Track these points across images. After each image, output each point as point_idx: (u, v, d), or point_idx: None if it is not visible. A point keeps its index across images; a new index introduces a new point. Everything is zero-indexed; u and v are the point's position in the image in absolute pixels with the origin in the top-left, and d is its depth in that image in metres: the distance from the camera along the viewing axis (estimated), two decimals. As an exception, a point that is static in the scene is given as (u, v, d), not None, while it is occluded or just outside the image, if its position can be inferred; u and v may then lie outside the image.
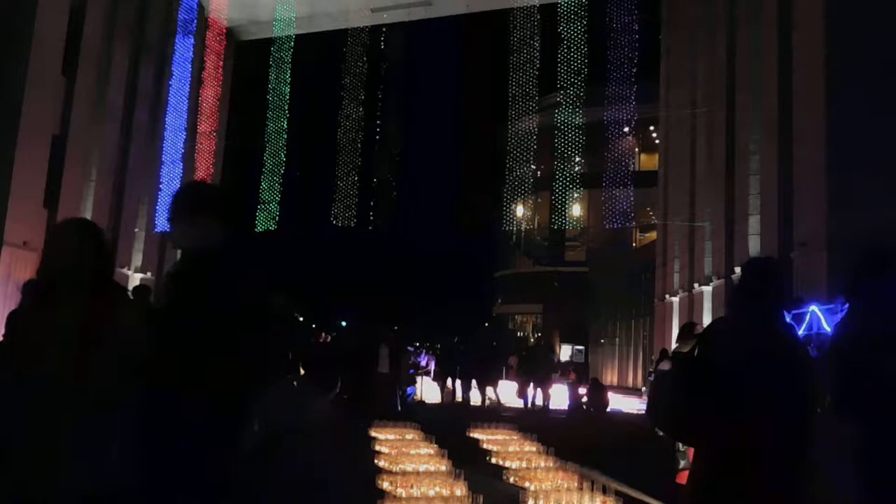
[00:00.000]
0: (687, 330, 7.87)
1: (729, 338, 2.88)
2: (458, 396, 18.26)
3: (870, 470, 2.62)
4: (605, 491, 6.77)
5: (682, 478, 5.88)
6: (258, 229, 24.83)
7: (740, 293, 2.98)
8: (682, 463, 6.44)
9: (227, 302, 2.71)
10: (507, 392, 22.48)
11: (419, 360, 23.64)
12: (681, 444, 6.34)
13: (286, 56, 25.25)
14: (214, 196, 3.12)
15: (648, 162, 41.13)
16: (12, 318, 3.17)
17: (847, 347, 2.84)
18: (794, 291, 13.38)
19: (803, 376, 2.77)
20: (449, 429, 10.70)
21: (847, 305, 3.07)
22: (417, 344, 30.43)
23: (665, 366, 6.89)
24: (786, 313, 2.93)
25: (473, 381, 18.09)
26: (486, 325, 51.64)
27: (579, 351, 39.00)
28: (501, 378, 20.36)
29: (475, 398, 18.25)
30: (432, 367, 22.95)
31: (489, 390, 18.67)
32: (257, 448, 7.83)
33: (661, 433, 6.95)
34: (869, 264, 2.85)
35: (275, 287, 8.71)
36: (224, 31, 28.33)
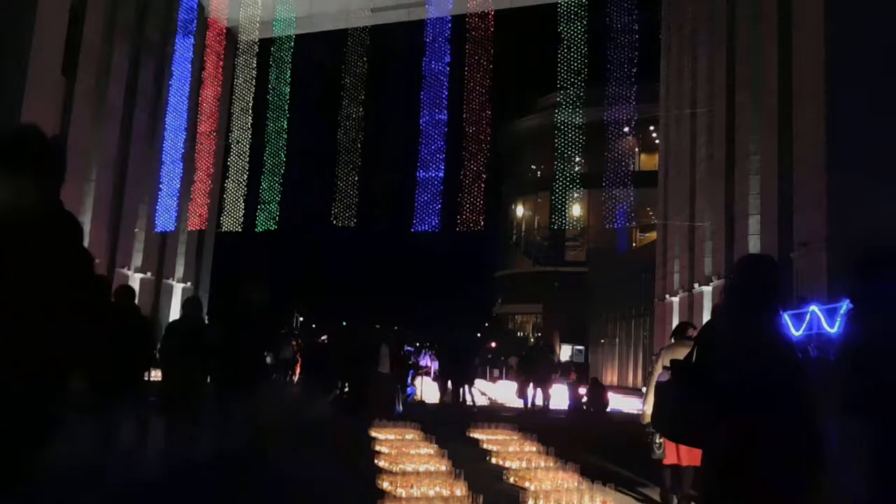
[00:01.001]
0: (681, 330, 7.71)
1: (723, 339, 2.88)
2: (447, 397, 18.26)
3: (874, 471, 2.62)
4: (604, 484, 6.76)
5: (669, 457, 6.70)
6: (258, 229, 24.82)
7: (733, 292, 2.97)
8: (657, 452, 7.00)
9: (45, 274, 2.23)
10: (506, 392, 22.52)
11: (419, 359, 23.65)
12: (657, 437, 6.97)
13: (286, 56, 25.25)
14: (41, 143, 2.56)
15: (648, 162, 41.18)
16: None
17: (851, 349, 2.84)
18: (793, 291, 13.41)
19: (798, 375, 2.78)
20: (449, 429, 10.70)
21: (850, 307, 3.06)
22: (418, 344, 30.46)
23: (664, 376, 6.98)
24: (782, 311, 2.92)
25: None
26: (486, 324, 51.66)
27: (579, 351, 39.03)
28: (475, 377, 20.31)
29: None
30: (435, 367, 22.98)
31: (470, 389, 18.75)
32: (254, 449, 7.80)
33: (647, 427, 7.28)
34: (870, 264, 2.85)
35: (260, 282, 8.26)
36: (224, 31, 28.32)
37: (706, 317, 19.57)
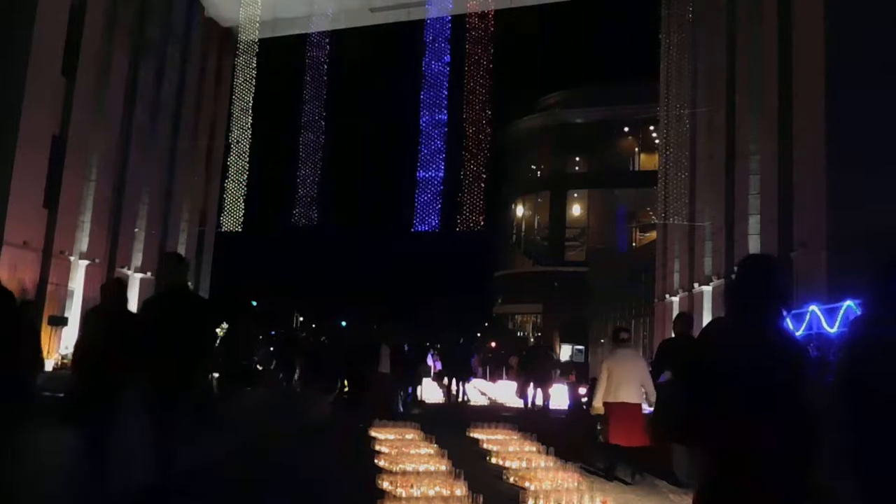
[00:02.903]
0: (615, 335, 8.90)
1: (727, 338, 2.88)
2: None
3: (870, 472, 2.62)
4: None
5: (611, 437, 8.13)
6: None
7: (736, 292, 2.97)
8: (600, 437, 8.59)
9: None
10: (506, 392, 22.52)
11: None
12: (599, 424, 8.64)
13: (286, 56, 25.28)
14: None
15: (648, 162, 41.16)
16: None
17: (852, 348, 2.83)
18: (793, 291, 13.39)
19: (801, 376, 2.77)
20: (449, 429, 10.71)
21: (864, 307, 3.04)
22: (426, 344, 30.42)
23: (664, 377, 7.59)
24: (784, 312, 2.91)
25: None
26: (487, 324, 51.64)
27: (579, 351, 39.00)
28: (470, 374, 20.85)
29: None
30: (437, 367, 23.04)
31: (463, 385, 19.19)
32: (256, 447, 7.74)
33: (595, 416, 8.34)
34: (886, 266, 2.84)
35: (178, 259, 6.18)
36: (224, 31, 28.35)
37: (706, 317, 19.57)
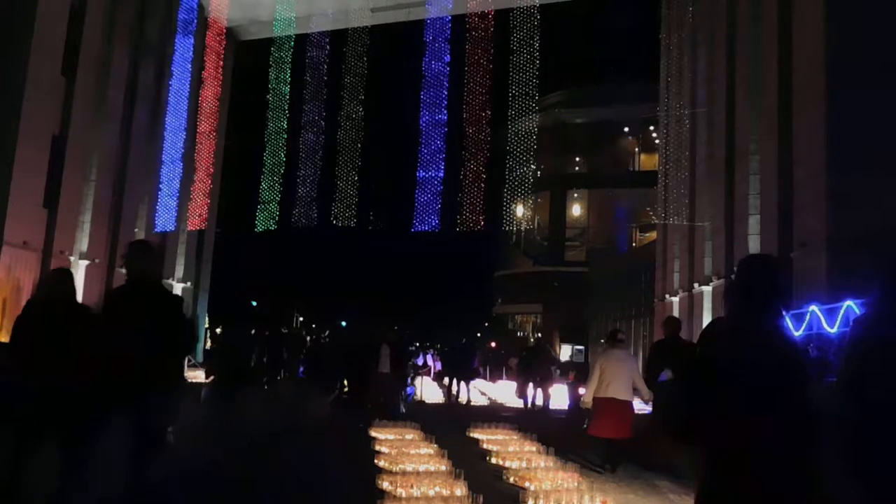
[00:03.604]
0: (612, 336, 9.41)
1: (727, 338, 2.88)
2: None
3: (872, 472, 2.62)
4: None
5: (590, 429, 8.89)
6: (258, 229, 24.84)
7: (736, 292, 2.97)
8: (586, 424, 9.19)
9: None
10: (506, 392, 22.53)
11: (417, 360, 23.65)
12: (587, 419, 9.13)
13: (286, 56, 25.25)
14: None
15: (648, 162, 41.15)
16: None
17: (857, 346, 2.83)
18: (793, 291, 13.39)
19: (802, 376, 2.77)
20: (449, 429, 10.71)
21: (868, 306, 3.04)
22: (418, 344, 30.47)
23: (665, 376, 7.69)
24: (784, 312, 2.91)
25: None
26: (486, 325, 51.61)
27: (579, 351, 38.99)
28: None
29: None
30: (438, 367, 23.03)
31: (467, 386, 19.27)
32: (257, 448, 7.72)
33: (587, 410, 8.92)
34: (894, 264, 2.83)
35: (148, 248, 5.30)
36: (224, 31, 28.32)
37: (706, 317, 19.57)
